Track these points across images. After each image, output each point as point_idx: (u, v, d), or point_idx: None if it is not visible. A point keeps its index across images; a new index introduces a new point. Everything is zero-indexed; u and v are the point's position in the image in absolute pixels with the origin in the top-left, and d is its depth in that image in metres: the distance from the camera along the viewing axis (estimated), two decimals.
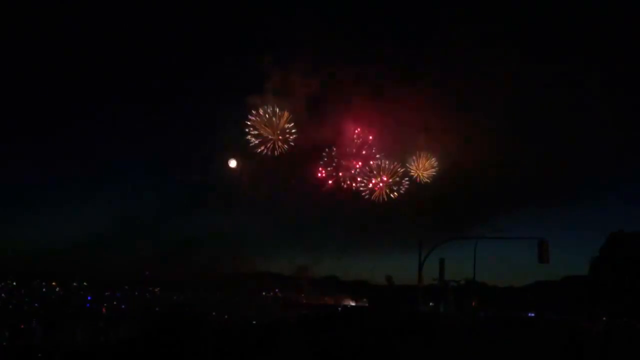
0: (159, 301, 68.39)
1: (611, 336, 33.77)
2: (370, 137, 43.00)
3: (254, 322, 34.12)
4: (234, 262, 61.15)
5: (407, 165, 42.28)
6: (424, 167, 42.29)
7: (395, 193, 42.24)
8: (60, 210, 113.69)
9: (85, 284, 76.64)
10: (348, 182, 42.51)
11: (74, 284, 77.09)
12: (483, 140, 41.79)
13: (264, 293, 71.82)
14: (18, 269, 72.53)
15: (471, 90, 42.11)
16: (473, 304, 56.06)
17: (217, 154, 45.03)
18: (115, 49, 62.32)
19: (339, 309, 57.87)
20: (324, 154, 43.19)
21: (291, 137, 42.11)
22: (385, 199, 42.04)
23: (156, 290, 77.91)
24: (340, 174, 42.58)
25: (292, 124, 42.41)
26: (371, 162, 42.60)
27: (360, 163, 42.58)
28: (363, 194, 42.28)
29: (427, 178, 42.48)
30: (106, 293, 75.11)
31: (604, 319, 49.18)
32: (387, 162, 42.44)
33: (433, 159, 42.47)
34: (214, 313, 46.19)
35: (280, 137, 42.31)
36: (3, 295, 72.81)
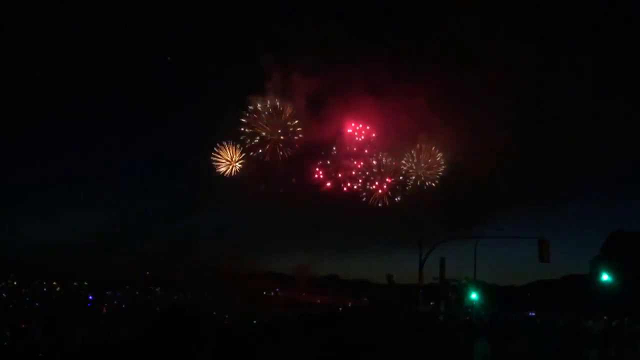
0: (160, 301, 68.43)
1: (611, 335, 33.82)
2: (373, 135, 42.84)
3: (255, 322, 34.08)
4: (234, 261, 61.13)
5: (412, 165, 42.04)
6: (428, 167, 42.10)
7: (398, 198, 41.96)
8: (61, 210, 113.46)
9: (85, 283, 76.66)
10: (349, 185, 42.39)
11: (75, 283, 77.12)
12: (483, 140, 41.78)
13: (264, 292, 71.81)
14: (19, 269, 72.54)
15: (472, 89, 42.11)
16: (473, 303, 56.05)
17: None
18: (115, 49, 62.22)
19: (340, 308, 57.84)
20: (322, 153, 43.11)
21: (295, 138, 42.13)
22: (387, 204, 41.82)
23: (157, 290, 77.94)
24: (340, 175, 42.48)
25: (297, 121, 42.38)
26: (374, 162, 42.42)
27: (361, 163, 42.51)
28: (365, 199, 42.02)
29: (433, 179, 42.27)
30: (107, 293, 75.15)
31: (605, 318, 49.23)
32: (390, 160, 42.18)
33: (439, 155, 42.20)
34: (214, 313, 46.19)
35: (282, 138, 42.29)
36: (4, 295, 72.85)
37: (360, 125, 42.61)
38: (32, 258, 70.09)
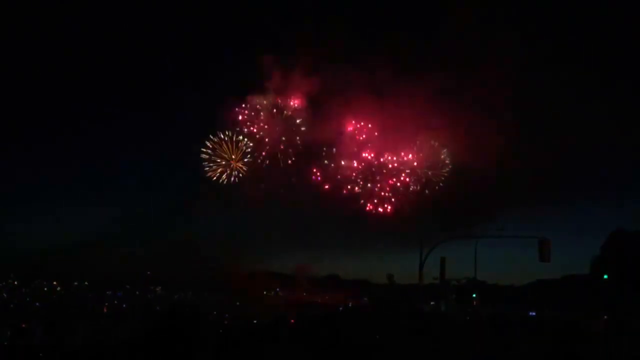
0: (160, 301, 68.45)
1: (611, 335, 33.87)
2: (376, 134, 42.63)
3: (255, 322, 34.15)
4: (234, 261, 61.12)
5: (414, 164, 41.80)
6: (432, 168, 41.86)
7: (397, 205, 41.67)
8: (61, 210, 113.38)
9: (86, 283, 76.66)
10: (349, 187, 42.20)
11: (75, 283, 77.12)
12: (483, 140, 41.70)
13: (264, 292, 71.80)
14: (19, 269, 72.58)
15: (472, 89, 42.04)
16: (474, 302, 56.17)
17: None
18: (114, 49, 62.24)
19: (340, 308, 57.90)
20: (323, 153, 42.93)
21: (296, 138, 41.93)
22: (389, 210, 41.60)
23: (157, 289, 77.95)
24: (339, 176, 42.30)
25: (298, 121, 42.21)
26: (375, 163, 42.11)
27: (362, 164, 42.34)
28: (364, 202, 41.75)
29: (438, 180, 42.06)
30: (107, 293, 75.17)
31: (605, 317, 49.30)
32: (394, 158, 41.84)
33: (443, 153, 41.98)
34: (214, 312, 46.23)
35: (283, 139, 42.15)
36: (4, 294, 72.86)
37: (362, 123, 42.36)
38: (32, 258, 70.16)
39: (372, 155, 42.42)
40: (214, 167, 41.63)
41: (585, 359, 27.95)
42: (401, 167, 42.15)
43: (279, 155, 42.74)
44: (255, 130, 42.36)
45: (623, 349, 30.28)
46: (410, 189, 42.00)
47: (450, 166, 42.09)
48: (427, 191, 41.85)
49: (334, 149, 42.69)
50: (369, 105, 41.98)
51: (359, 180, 42.06)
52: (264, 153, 42.52)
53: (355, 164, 42.26)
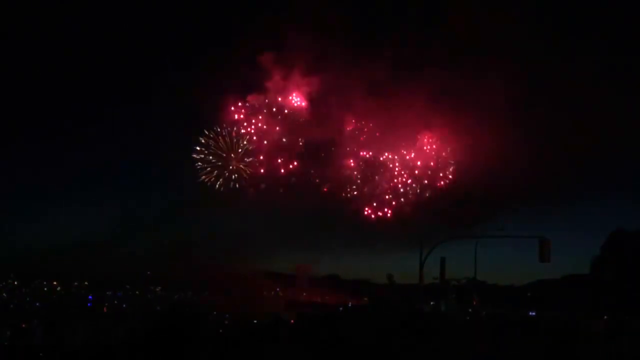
0: (160, 301, 68.46)
1: (611, 335, 33.85)
2: (377, 134, 42.57)
3: (255, 322, 34.15)
4: (234, 261, 61.15)
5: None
6: (434, 169, 41.76)
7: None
8: (61, 210, 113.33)
9: (86, 283, 76.71)
10: (348, 189, 42.10)
11: (75, 283, 77.17)
12: (483, 140, 41.71)
13: (264, 292, 71.78)
14: (19, 269, 72.60)
15: (473, 89, 42.02)
16: (474, 302, 56.21)
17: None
18: (114, 49, 62.15)
19: (340, 308, 57.85)
20: (322, 154, 42.85)
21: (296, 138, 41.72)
22: (389, 215, 41.51)
23: (157, 289, 77.96)
24: (338, 176, 42.20)
25: (299, 121, 42.03)
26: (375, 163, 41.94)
27: (361, 163, 42.27)
28: (364, 211, 41.60)
29: (440, 180, 42.04)
30: (107, 293, 75.19)
31: (605, 317, 49.31)
32: (394, 157, 41.70)
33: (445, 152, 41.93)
34: (214, 312, 46.21)
35: (284, 140, 41.85)
36: (4, 294, 72.90)
37: (362, 122, 42.30)
38: (32, 258, 70.13)
39: (372, 154, 42.39)
40: (209, 168, 41.24)
41: (585, 359, 27.95)
42: (402, 170, 42.10)
43: (279, 159, 42.64)
44: (254, 130, 42.32)
45: (623, 349, 30.26)
46: (410, 193, 41.92)
47: (452, 167, 42.12)
48: (427, 194, 41.82)
49: (333, 149, 42.68)
50: (369, 105, 41.97)
51: (357, 180, 42.02)
52: (261, 157, 42.39)
53: (354, 164, 42.21)
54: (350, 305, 62.73)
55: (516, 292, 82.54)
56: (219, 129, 41.31)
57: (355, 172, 42.12)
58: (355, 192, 41.77)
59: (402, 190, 41.75)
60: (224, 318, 43.05)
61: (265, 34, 41.29)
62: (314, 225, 51.34)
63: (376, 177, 41.84)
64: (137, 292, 76.53)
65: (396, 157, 42.03)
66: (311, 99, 42.40)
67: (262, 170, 42.31)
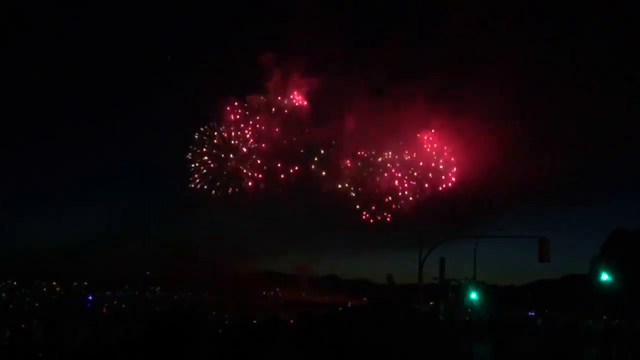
0: (160, 301, 68.52)
1: (611, 335, 33.85)
2: (377, 134, 42.50)
3: (255, 322, 34.07)
4: (234, 261, 61.10)
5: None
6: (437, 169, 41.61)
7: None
8: (61, 210, 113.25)
9: (85, 283, 76.81)
10: (347, 190, 41.99)
11: (75, 283, 77.25)
12: (483, 140, 41.69)
13: (264, 292, 71.84)
14: (19, 269, 72.62)
15: (473, 89, 42.00)
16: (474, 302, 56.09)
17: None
18: (114, 49, 62.12)
19: (340, 308, 57.86)
20: (322, 152, 42.75)
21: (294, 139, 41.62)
22: (388, 219, 41.40)
23: (157, 289, 78.05)
24: (337, 177, 42.15)
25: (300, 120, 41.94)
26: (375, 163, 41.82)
27: (359, 163, 42.21)
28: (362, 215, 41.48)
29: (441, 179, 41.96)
30: (107, 293, 75.29)
31: (604, 318, 49.32)
32: (395, 157, 41.57)
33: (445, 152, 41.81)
34: (214, 312, 46.19)
35: (285, 142, 41.73)
36: (4, 295, 72.98)
37: (362, 122, 42.26)
38: (32, 258, 70.08)
39: (372, 154, 42.34)
40: (204, 170, 41.04)
41: (584, 359, 28.00)
42: (402, 170, 42.03)
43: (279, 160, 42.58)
44: (253, 130, 42.29)
45: (622, 349, 30.31)
46: (410, 194, 41.81)
47: (452, 167, 42.05)
48: (427, 194, 41.74)
49: (332, 149, 42.63)
50: (369, 105, 41.94)
51: (357, 180, 41.97)
52: (259, 161, 42.34)
53: (352, 165, 42.15)
54: (349, 305, 62.78)
55: (516, 292, 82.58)
56: (220, 129, 41.29)
57: (355, 172, 42.09)
58: (353, 194, 41.73)
59: (401, 190, 41.68)
60: (224, 318, 43.03)
61: (265, 34, 41.34)
62: (314, 225, 51.32)
63: (377, 178, 41.79)
64: (136, 292, 76.63)
65: (396, 157, 41.93)
66: (311, 99, 42.40)
67: (262, 170, 42.29)
